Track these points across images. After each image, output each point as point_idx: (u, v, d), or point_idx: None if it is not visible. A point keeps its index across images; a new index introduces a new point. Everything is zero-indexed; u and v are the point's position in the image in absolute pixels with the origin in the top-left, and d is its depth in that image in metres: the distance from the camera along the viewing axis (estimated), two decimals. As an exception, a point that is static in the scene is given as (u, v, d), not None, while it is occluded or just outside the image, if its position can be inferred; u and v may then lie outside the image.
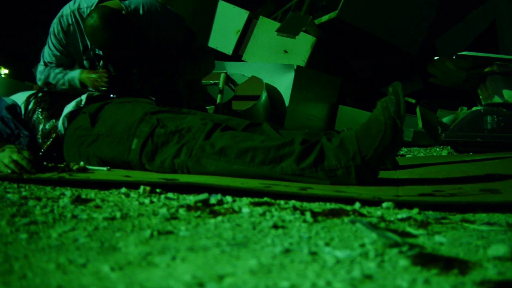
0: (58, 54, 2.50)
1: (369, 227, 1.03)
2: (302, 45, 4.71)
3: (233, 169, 1.65)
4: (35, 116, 2.07)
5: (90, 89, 2.57)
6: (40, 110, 2.08)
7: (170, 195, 1.43)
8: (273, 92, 4.45)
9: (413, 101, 4.44)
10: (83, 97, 2.06)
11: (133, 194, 1.44)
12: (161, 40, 2.44)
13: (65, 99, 2.08)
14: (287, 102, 4.36)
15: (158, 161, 1.75)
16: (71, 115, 1.99)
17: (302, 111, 4.46)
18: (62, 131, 1.97)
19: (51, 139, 1.95)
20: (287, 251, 0.87)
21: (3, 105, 2.13)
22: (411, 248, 0.89)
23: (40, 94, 2.15)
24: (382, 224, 1.10)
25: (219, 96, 4.28)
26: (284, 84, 4.41)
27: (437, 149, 3.92)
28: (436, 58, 3.63)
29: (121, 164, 1.83)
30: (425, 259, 0.83)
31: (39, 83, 2.59)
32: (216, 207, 1.27)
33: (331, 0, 5.50)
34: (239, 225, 1.07)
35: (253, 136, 1.70)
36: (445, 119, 4.21)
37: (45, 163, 1.77)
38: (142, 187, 1.46)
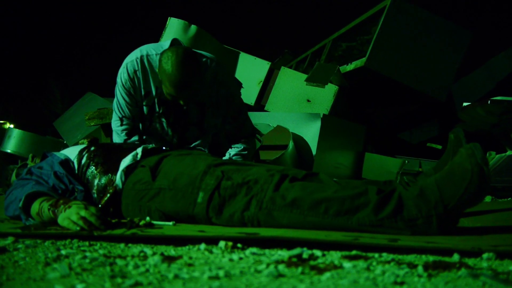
0: (129, 105, 2.46)
1: (500, 281, 0.98)
2: (325, 94, 4.74)
3: (307, 221, 1.60)
4: (89, 170, 2.04)
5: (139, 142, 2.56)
6: (93, 164, 2.05)
7: (254, 250, 1.38)
8: (299, 141, 4.43)
9: (439, 147, 4.42)
10: (139, 150, 2.03)
11: (215, 250, 1.39)
12: (220, 98, 2.46)
13: (119, 152, 2.06)
14: (314, 151, 4.34)
15: (227, 215, 1.70)
16: (128, 169, 1.95)
17: (329, 159, 4.43)
18: (120, 186, 1.93)
19: (109, 194, 1.91)
20: (435, 310, 0.82)
21: (55, 160, 2.10)
22: None
23: (92, 148, 2.12)
24: (501, 277, 1.05)
25: (246, 146, 4.26)
26: (310, 133, 4.40)
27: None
28: (466, 104, 3.63)
29: (186, 218, 1.78)
30: None
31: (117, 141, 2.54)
32: (312, 262, 1.22)
33: (346, 50, 5.60)
34: (356, 281, 1.02)
35: (324, 187, 1.66)
36: (475, 164, 4.16)
37: (108, 218, 1.72)
38: (223, 243, 1.41)
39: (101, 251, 1.40)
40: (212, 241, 1.46)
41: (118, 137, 2.52)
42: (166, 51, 2.27)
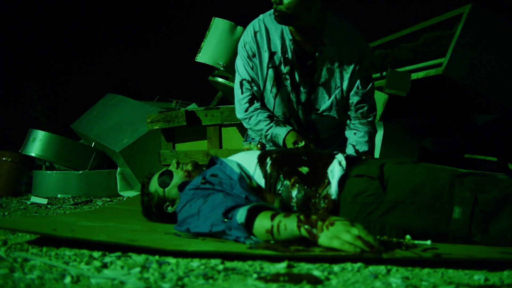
0: (248, 67, 2.36)
1: None
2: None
3: None
4: (280, 181, 1.78)
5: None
6: (283, 173, 1.80)
7: None
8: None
9: (494, 159, 4.38)
10: (341, 158, 1.80)
11: None
12: (352, 58, 2.29)
13: (319, 159, 1.81)
14: (375, 160, 4.20)
15: (495, 233, 1.51)
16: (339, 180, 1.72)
17: (389, 169, 4.30)
18: (337, 198, 1.68)
19: (323, 208, 1.67)
20: None
21: (229, 169, 1.83)
22: None
23: (274, 155, 1.87)
24: None
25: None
26: (370, 141, 4.25)
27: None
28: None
29: (433, 235, 1.56)
30: None
31: (239, 115, 2.42)
32: None
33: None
34: None
35: None
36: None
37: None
38: None
39: (414, 281, 1.17)
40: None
41: (239, 107, 2.41)
42: None
